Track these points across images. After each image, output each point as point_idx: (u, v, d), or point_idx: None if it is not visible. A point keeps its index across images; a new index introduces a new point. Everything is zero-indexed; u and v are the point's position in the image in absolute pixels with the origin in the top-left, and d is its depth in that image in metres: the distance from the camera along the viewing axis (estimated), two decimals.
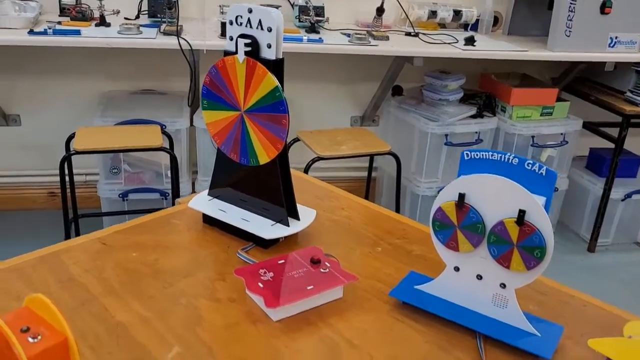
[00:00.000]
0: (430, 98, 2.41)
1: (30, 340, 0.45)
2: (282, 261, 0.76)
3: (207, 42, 1.99)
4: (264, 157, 0.83)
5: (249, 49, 0.78)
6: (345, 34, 2.27)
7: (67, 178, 2.00)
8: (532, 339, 0.66)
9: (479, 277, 0.68)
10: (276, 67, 0.78)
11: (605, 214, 2.62)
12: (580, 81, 2.79)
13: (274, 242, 0.85)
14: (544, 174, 0.63)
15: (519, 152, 2.45)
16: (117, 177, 2.31)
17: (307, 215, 0.89)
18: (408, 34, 2.39)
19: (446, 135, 2.35)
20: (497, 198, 0.64)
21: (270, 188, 0.85)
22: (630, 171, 2.68)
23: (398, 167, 2.05)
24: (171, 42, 1.99)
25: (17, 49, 2.41)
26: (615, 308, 0.76)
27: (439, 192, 2.44)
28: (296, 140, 2.10)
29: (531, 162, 0.64)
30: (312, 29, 2.22)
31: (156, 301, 0.71)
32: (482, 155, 0.66)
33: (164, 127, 2.16)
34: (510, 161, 0.65)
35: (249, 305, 0.71)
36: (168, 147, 2.01)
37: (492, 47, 2.31)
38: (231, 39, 0.80)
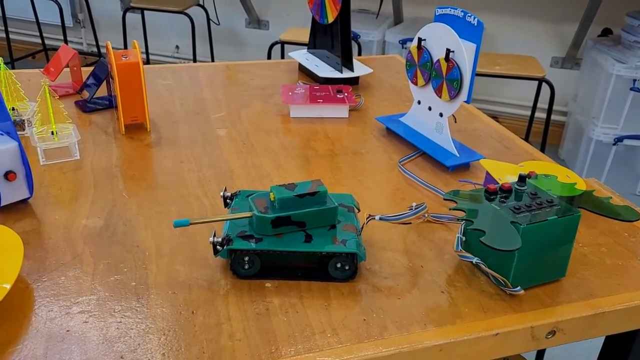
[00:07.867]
0: (627, 40, 2.27)
1: (123, 58, 0.87)
2: (318, 87, 1.07)
3: None
4: (331, 17, 1.12)
5: None
6: None
7: None
8: (447, 154, 0.85)
9: (430, 108, 0.90)
10: None
11: None
12: None
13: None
14: (475, 24, 0.81)
15: None
16: None
17: (362, 70, 1.16)
18: None
19: (634, 81, 2.21)
20: (440, 42, 0.84)
21: (334, 42, 1.14)
22: None
23: (551, 96, 2.06)
24: None
25: None
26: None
27: (615, 140, 2.35)
28: None
29: (470, 14, 0.82)
30: None
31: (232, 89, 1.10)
32: (445, 11, 0.86)
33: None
34: (456, 15, 0.83)
35: (283, 105, 1.04)
36: None
37: None
38: None
